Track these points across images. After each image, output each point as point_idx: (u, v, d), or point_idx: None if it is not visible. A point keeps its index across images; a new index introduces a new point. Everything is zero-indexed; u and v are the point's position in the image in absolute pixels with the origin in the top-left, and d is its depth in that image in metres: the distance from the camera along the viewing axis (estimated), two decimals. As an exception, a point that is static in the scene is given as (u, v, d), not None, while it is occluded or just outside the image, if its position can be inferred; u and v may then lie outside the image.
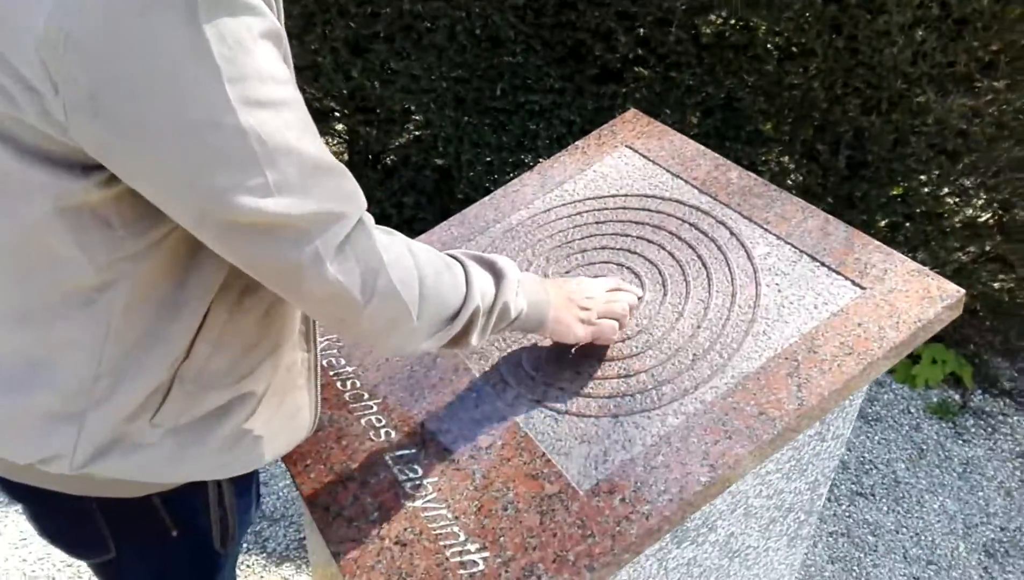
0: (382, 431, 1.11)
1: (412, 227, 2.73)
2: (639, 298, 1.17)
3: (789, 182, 2.28)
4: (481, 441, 1.06)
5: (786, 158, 2.29)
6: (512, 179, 2.27)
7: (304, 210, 0.74)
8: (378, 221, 2.91)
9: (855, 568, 2.08)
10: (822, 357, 1.03)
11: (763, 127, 2.22)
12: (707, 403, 1.02)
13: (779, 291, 1.13)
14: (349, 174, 0.81)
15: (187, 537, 1.03)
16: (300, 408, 1.03)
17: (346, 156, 2.76)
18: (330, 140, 2.90)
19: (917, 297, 1.07)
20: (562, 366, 1.12)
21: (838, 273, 1.13)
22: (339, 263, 0.78)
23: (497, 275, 0.96)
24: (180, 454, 0.91)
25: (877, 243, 1.16)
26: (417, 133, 2.60)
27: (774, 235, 1.20)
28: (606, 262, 1.25)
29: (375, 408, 1.14)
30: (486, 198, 1.44)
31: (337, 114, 2.62)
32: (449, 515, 0.99)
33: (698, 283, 1.17)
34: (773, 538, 1.29)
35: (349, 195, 0.79)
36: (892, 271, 1.11)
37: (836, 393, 1.00)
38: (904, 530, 2.19)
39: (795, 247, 1.18)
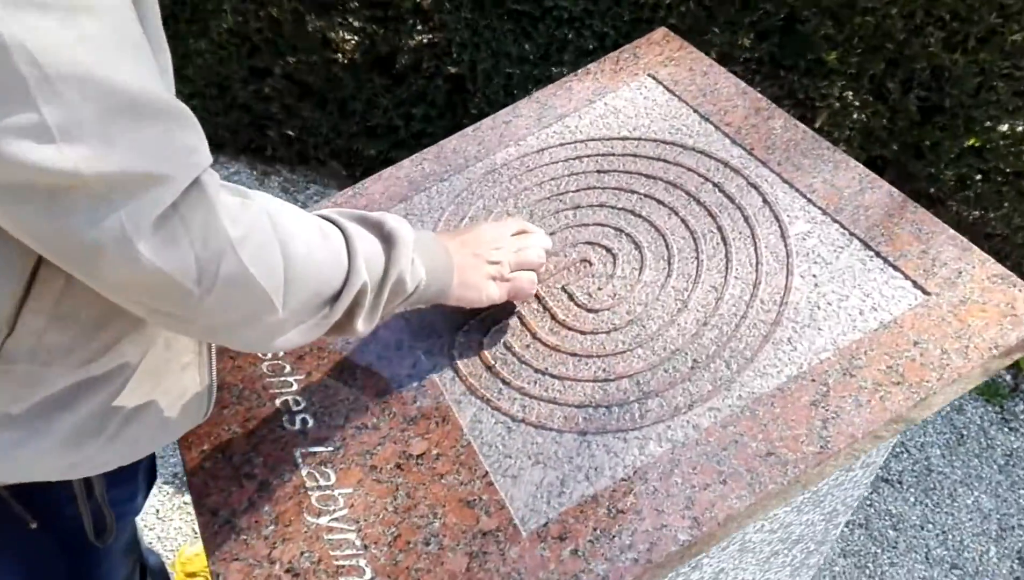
0: (298, 417, 0.89)
1: (420, 142, 2.46)
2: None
3: (849, 124, 1.96)
4: (413, 446, 0.84)
5: (849, 94, 1.97)
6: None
7: (103, 167, 0.51)
8: (384, 133, 2.67)
9: (869, 565, 1.88)
10: (861, 383, 0.78)
11: (827, 56, 1.90)
12: (702, 430, 0.78)
13: (815, 286, 0.87)
14: (188, 119, 0.57)
15: (51, 530, 0.84)
16: (186, 392, 0.82)
17: (357, 56, 2.48)
18: (345, 35, 2.61)
19: (997, 314, 0.81)
20: (535, 356, 0.89)
21: (896, 268, 0.86)
22: (158, 243, 0.55)
23: (387, 240, 0.75)
24: (12, 452, 0.71)
25: (952, 232, 0.88)
26: (429, 36, 2.30)
27: (819, 208, 0.93)
28: (602, 225, 1.00)
29: (295, 386, 0.92)
30: (468, 129, 1.18)
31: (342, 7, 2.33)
32: (358, 542, 0.78)
33: (713, 264, 0.92)
34: (773, 570, 1.07)
35: (180, 150, 0.55)
36: (967, 274, 0.84)
37: (872, 435, 0.76)
38: (930, 526, 1.97)
39: (844, 228, 0.91)
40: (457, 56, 2.25)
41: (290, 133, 2.58)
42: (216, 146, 2.69)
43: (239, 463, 0.87)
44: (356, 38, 2.40)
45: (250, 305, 0.62)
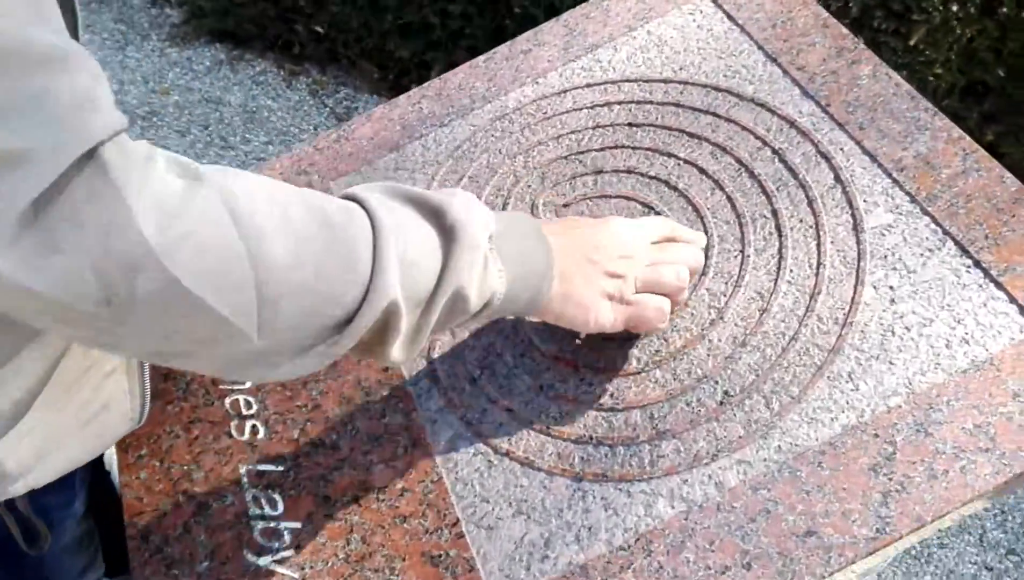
0: (248, 425, 0.76)
1: (457, 44, 2.23)
2: (704, 252, 0.73)
3: (949, 42, 1.66)
4: (375, 477, 0.70)
5: (954, 6, 1.66)
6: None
7: None
8: (418, 32, 2.38)
9: (916, 544, 1.72)
10: (938, 446, 0.60)
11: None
12: (726, 491, 0.62)
13: (892, 302, 0.67)
14: (82, 65, 0.40)
15: None
16: (110, 402, 0.68)
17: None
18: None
19: None
20: (530, 369, 0.73)
21: (1000, 286, 0.66)
22: (26, 252, 0.39)
23: (448, 233, 0.53)
24: None
25: (1084, 238, 0.67)
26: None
27: (906, 194, 0.73)
28: (627, 198, 0.80)
29: (248, 384, 0.78)
30: (479, 59, 0.98)
31: None
32: (299, 595, 0.65)
33: (761, 261, 0.73)
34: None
35: (65, 111, 0.39)
36: (1101, 300, 0.64)
37: (944, 518, 0.58)
38: (988, 505, 1.79)
39: (937, 223, 0.70)
40: (498, -53, 1.99)
41: (319, 29, 2.37)
42: (241, 42, 2.50)
43: (177, 476, 0.74)
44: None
45: (201, 331, 0.45)
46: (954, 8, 1.65)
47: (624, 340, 0.71)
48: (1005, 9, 1.61)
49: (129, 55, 2.47)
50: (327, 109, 2.32)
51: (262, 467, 0.73)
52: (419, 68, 2.32)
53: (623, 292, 0.64)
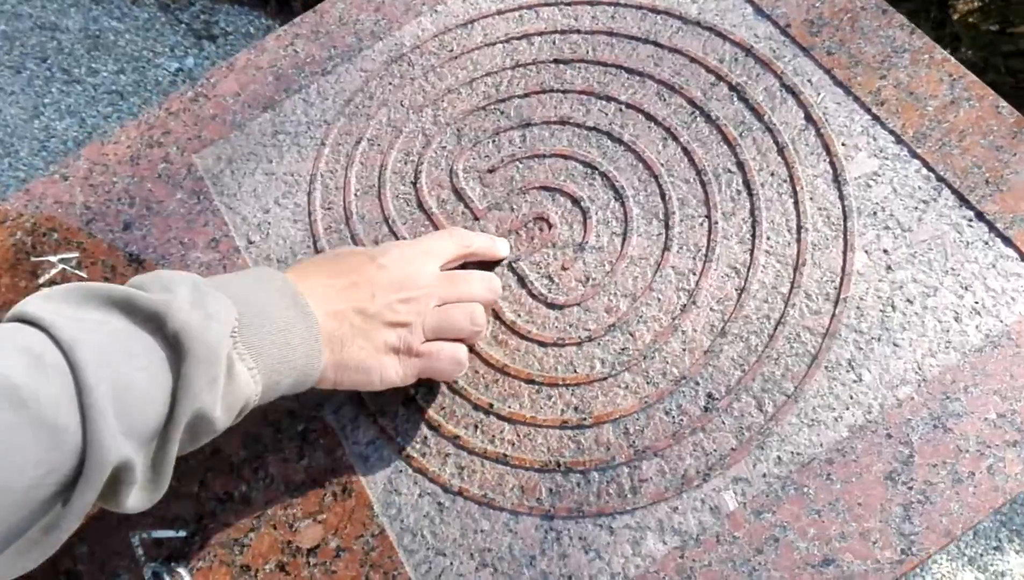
0: (133, 483, 0.61)
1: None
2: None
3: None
4: (302, 535, 0.58)
5: None
6: None
7: None
8: None
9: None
10: (959, 443, 0.52)
11: None
12: (725, 518, 0.53)
13: (888, 270, 0.58)
14: None
15: None
16: None
17: None
18: None
19: None
20: (474, 382, 0.60)
21: (1008, 241, 0.57)
22: None
23: (173, 346, 0.42)
24: None
25: (1091, 174, 0.59)
26: None
27: (890, 132, 0.62)
28: (565, 156, 0.67)
29: (126, 430, 0.63)
30: (363, -16, 0.80)
31: None
32: None
33: (731, 228, 0.62)
34: None
35: None
36: (1119, 250, 0.56)
37: (976, 525, 0.51)
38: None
39: (929, 167, 0.61)
40: None
41: (159, -68, 2.04)
42: (67, -49, 2.14)
43: (56, 555, 0.60)
44: None
45: None
46: None
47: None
48: None
49: (-68, -23, 2.08)
50: (183, 26, 2.03)
51: (159, 534, 0.59)
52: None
53: (410, 343, 0.54)
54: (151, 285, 0.44)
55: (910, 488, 0.51)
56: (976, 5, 1.80)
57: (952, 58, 0.64)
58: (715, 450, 0.55)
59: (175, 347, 0.41)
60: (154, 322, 0.41)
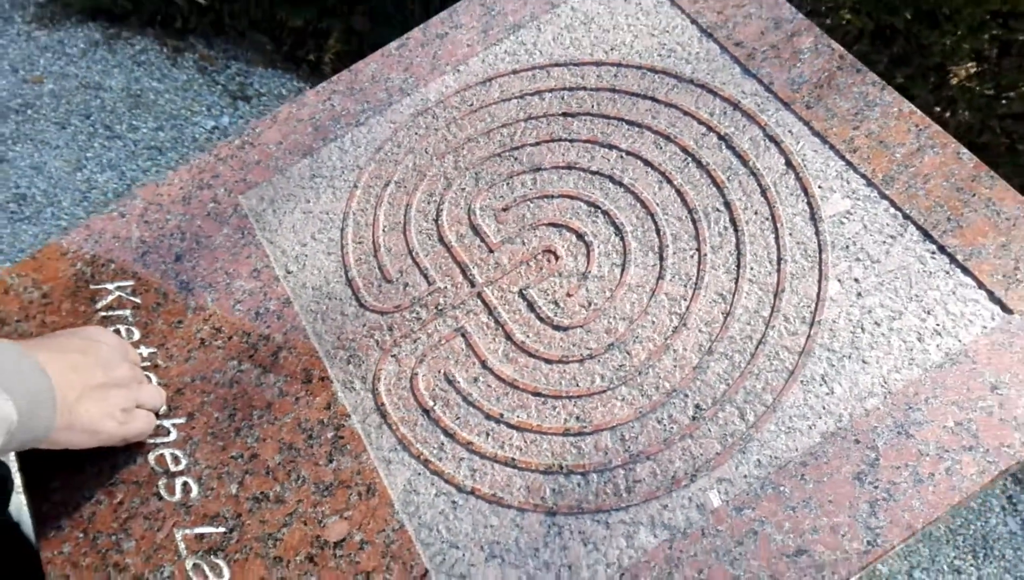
0: (178, 482, 0.68)
1: (353, 9, 2.10)
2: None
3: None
4: (330, 529, 0.64)
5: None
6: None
7: None
8: None
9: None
10: (920, 447, 0.58)
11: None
12: (708, 513, 0.59)
13: (858, 296, 0.65)
14: None
15: None
16: None
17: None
18: None
19: (1106, 341, 0.60)
20: (486, 394, 0.67)
21: (967, 271, 0.64)
22: None
23: None
24: None
25: (1041, 213, 0.66)
26: None
27: (862, 176, 0.70)
28: (571, 197, 0.75)
29: (173, 434, 0.70)
30: (391, 46, 0.89)
31: None
32: (259, 676, 0.59)
33: (719, 259, 0.69)
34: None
35: None
36: (1064, 279, 0.63)
37: (935, 521, 0.57)
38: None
39: (896, 207, 0.68)
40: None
41: (201, 1, 2.19)
42: (116, 19, 2.30)
43: (105, 547, 0.66)
44: None
45: None
46: (859, -47, 1.64)
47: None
48: (907, -49, 1.61)
49: (-11, 40, 2.23)
50: (219, 87, 2.16)
51: (200, 530, 0.66)
52: (315, 37, 2.18)
53: (126, 410, 0.65)
54: None
55: (876, 487, 0.57)
56: (973, 70, 1.88)
57: (918, 111, 0.71)
58: (701, 454, 0.61)
59: None
60: None
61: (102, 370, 0.64)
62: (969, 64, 1.76)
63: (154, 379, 0.72)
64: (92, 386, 0.62)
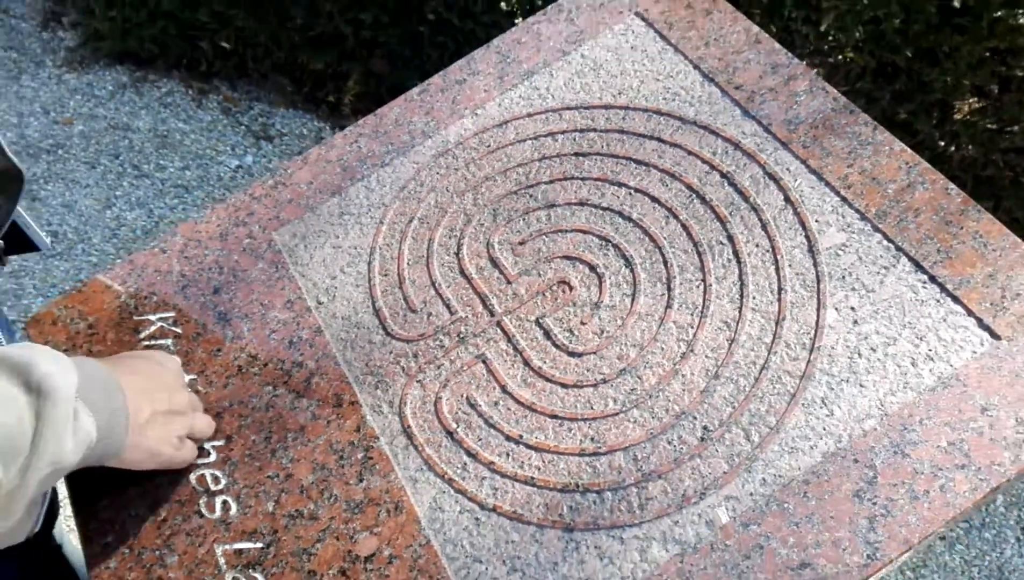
0: (218, 501, 0.72)
1: (372, 52, 2.18)
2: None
3: (859, 26, 1.71)
4: (360, 544, 0.68)
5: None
6: None
7: None
8: (330, 42, 2.29)
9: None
10: (916, 466, 0.62)
11: (834, -52, 1.63)
12: (718, 530, 0.63)
13: (854, 324, 0.69)
14: None
15: None
16: None
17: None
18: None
19: (1089, 364, 0.64)
20: (506, 417, 0.72)
21: (956, 300, 0.68)
22: None
23: (36, 390, 0.52)
24: None
25: (1027, 245, 0.70)
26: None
27: (856, 211, 0.74)
28: (583, 231, 0.80)
29: (213, 456, 0.75)
30: (414, 91, 0.95)
31: None
32: None
33: (724, 289, 0.73)
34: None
35: None
36: (1049, 306, 0.67)
37: (931, 536, 0.61)
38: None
39: (889, 239, 0.72)
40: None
41: (225, 45, 2.28)
42: (144, 62, 2.39)
43: (149, 562, 0.71)
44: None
45: None
46: (860, -7, 1.71)
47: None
48: (906, -8, 1.67)
49: (24, 84, 2.32)
50: (242, 127, 2.24)
51: (239, 545, 0.70)
52: (335, 79, 2.27)
53: (181, 437, 0.69)
54: (12, 351, 0.54)
55: (874, 504, 0.61)
56: (975, 105, 1.93)
57: (908, 149, 0.76)
58: (710, 473, 0.65)
59: (38, 391, 0.51)
60: (20, 372, 0.52)
61: (167, 395, 0.67)
62: (971, 100, 1.81)
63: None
64: (159, 411, 0.65)
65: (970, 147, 1.91)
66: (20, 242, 0.82)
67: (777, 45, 0.87)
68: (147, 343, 0.81)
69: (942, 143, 1.90)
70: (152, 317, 0.84)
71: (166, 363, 0.72)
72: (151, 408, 0.64)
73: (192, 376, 0.79)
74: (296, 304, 0.82)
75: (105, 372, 0.61)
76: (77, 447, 0.54)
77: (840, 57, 1.79)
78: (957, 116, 1.94)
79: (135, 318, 0.84)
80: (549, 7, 0.99)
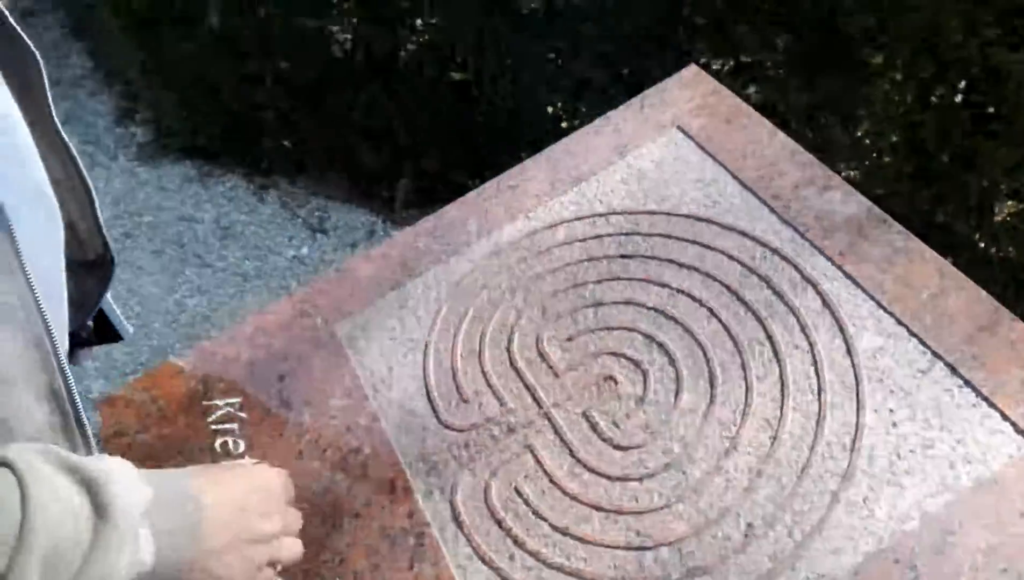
0: (275, 583, 0.75)
1: (425, 152, 2.30)
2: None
3: (894, 131, 1.78)
4: (410, 630, 0.70)
5: (896, 98, 1.78)
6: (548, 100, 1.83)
7: None
8: (381, 139, 2.43)
9: None
10: (957, 568, 0.63)
11: (871, 59, 1.71)
12: (760, 625, 0.64)
13: (893, 425, 0.71)
14: None
15: None
16: None
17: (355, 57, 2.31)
18: (341, 34, 2.43)
19: None
20: (553, 507, 0.74)
21: (992, 405, 0.71)
22: None
23: (100, 509, 0.50)
24: None
25: (1060, 352, 0.72)
26: (428, 36, 2.13)
27: (891, 315, 0.77)
28: (628, 329, 0.84)
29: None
30: (471, 195, 1.02)
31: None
32: None
33: (765, 388, 0.76)
34: None
35: None
36: (1085, 412, 0.69)
37: (976, 639, 0.61)
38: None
39: (924, 344, 0.75)
40: (461, 59, 2.08)
41: (286, 144, 2.42)
42: (210, 157, 2.54)
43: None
44: (351, 36, 2.23)
45: None
46: (895, 99, 1.77)
47: None
48: (935, 99, 1.74)
49: (98, 176, 2.48)
50: (300, 220, 2.36)
51: (292, 630, 0.73)
52: (389, 176, 2.38)
53: (260, 567, 0.60)
54: (88, 464, 0.51)
55: (916, 604, 0.62)
56: (1015, 209, 1.96)
57: (940, 257, 0.80)
58: (754, 570, 0.67)
59: (101, 511, 0.49)
60: (91, 488, 0.49)
61: (258, 522, 0.60)
62: (1009, 203, 1.83)
63: None
64: (243, 539, 0.58)
65: (1011, 249, 1.92)
66: (103, 329, 0.89)
67: (811, 157, 0.92)
68: (215, 427, 0.86)
69: (982, 245, 1.92)
70: (220, 402, 0.89)
71: (271, 483, 0.63)
72: (232, 534, 0.57)
73: (255, 460, 0.83)
74: (355, 392, 0.86)
75: (186, 488, 0.57)
76: (129, 570, 0.50)
77: (876, 159, 1.85)
78: (997, 218, 1.96)
79: (204, 403, 0.89)
80: (597, 120, 1.06)
